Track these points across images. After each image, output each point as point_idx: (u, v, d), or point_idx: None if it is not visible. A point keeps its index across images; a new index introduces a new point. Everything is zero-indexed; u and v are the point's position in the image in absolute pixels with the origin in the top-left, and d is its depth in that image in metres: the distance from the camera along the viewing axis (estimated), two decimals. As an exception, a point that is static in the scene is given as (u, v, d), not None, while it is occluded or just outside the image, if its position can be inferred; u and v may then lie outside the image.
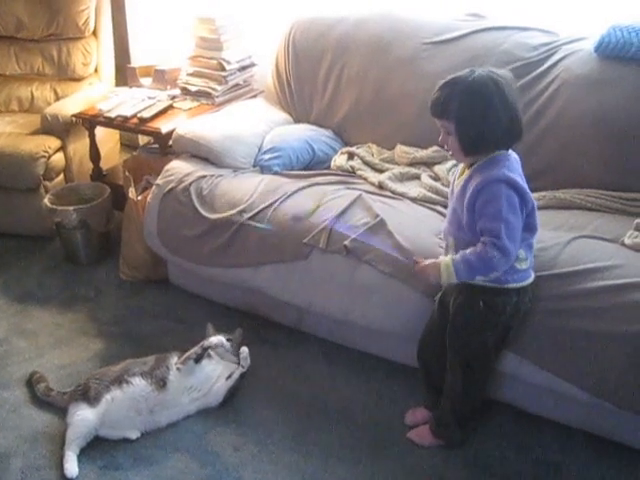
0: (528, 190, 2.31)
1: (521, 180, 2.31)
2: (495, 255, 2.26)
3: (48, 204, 3.75)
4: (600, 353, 2.42)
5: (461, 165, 2.47)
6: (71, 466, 2.53)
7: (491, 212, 2.27)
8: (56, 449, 2.64)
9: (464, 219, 2.37)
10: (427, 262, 2.45)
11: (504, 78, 2.27)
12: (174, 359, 2.82)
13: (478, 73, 2.27)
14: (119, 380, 2.71)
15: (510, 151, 2.37)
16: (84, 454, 2.60)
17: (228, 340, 2.90)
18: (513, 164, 2.34)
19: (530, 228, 2.37)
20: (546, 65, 3.25)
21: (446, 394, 2.61)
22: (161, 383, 2.73)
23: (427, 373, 2.77)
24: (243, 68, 4.07)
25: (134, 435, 2.68)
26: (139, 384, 2.71)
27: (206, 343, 2.81)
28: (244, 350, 2.91)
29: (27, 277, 3.74)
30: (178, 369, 2.77)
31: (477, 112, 2.25)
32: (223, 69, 3.93)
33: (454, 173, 2.53)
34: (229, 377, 2.85)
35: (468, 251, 2.33)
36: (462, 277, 2.35)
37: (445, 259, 2.39)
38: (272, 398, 2.90)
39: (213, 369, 2.86)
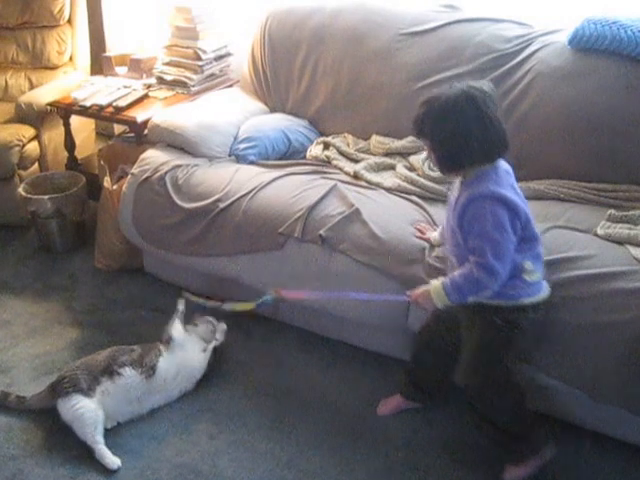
0: (519, 201, 2.25)
1: (512, 193, 2.25)
2: (482, 276, 2.22)
3: (23, 193, 3.73)
4: (576, 343, 2.45)
5: (457, 181, 2.40)
6: (110, 459, 2.51)
7: (476, 230, 2.24)
8: (31, 438, 2.64)
9: (459, 237, 2.32)
10: (419, 292, 2.38)
11: (481, 92, 2.21)
12: (162, 347, 2.83)
13: (453, 90, 2.22)
14: (109, 371, 2.68)
15: (500, 163, 2.30)
16: (60, 443, 2.59)
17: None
18: (502, 177, 2.27)
19: (530, 238, 2.30)
20: (520, 57, 3.27)
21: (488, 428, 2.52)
22: (150, 371, 2.72)
23: (417, 371, 2.76)
24: (219, 57, 4.06)
25: (109, 424, 2.67)
26: (130, 374, 2.69)
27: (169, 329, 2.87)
28: (222, 325, 2.99)
29: (1, 266, 3.73)
30: (166, 348, 2.81)
31: (449, 131, 2.21)
32: (199, 58, 3.92)
33: (451, 190, 2.45)
34: (204, 350, 2.90)
35: (457, 273, 2.28)
36: (454, 300, 2.28)
37: (435, 283, 2.33)
38: (248, 387, 2.91)
39: (192, 347, 2.90)
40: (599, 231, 2.75)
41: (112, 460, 2.51)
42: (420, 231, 2.84)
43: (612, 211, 2.86)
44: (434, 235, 2.79)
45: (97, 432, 2.55)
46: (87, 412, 2.56)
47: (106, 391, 2.64)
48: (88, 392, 2.60)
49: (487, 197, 2.22)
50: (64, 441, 2.61)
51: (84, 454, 2.56)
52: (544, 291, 2.36)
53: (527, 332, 2.37)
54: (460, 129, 2.19)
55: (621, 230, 2.72)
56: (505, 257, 2.21)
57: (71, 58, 4.45)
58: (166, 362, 2.78)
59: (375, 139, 3.51)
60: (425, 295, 2.35)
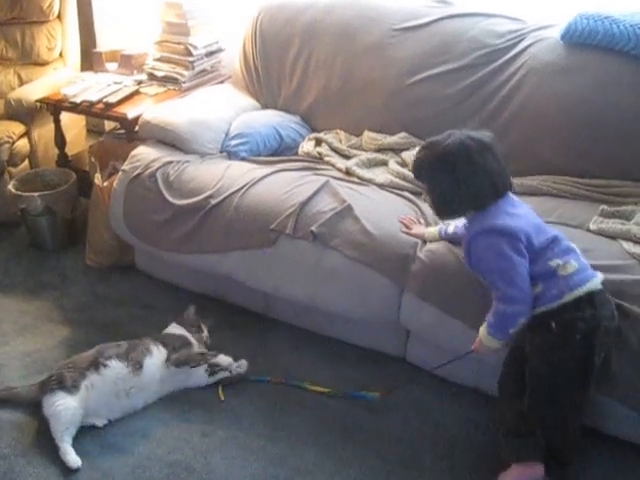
0: (513, 223, 2.28)
1: (503, 218, 2.30)
2: (505, 307, 2.28)
3: (13, 190, 3.70)
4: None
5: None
6: (72, 458, 2.49)
7: (483, 268, 2.36)
8: (21, 437, 2.62)
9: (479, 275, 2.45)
10: (476, 342, 2.42)
11: (479, 143, 2.29)
12: (151, 344, 2.81)
13: (452, 139, 2.31)
14: (95, 364, 2.67)
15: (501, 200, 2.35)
16: (51, 441, 2.56)
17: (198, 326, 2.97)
18: (497, 207, 2.34)
19: (545, 246, 2.31)
20: (513, 52, 3.26)
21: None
22: (137, 366, 2.71)
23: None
24: (210, 53, 4.04)
25: (101, 423, 2.66)
26: (116, 366, 2.68)
27: (213, 360, 2.82)
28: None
29: (-8, 264, 3.71)
30: (168, 366, 2.77)
31: (443, 181, 2.32)
32: (190, 54, 3.90)
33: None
34: (211, 373, 2.87)
35: (490, 313, 2.35)
36: (500, 337, 2.33)
37: (481, 329, 2.38)
38: (240, 384, 2.89)
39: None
40: (592, 226, 2.75)
41: (74, 459, 2.49)
42: (406, 225, 2.84)
43: (604, 206, 2.87)
44: (429, 230, 2.79)
45: (67, 432, 2.54)
46: (64, 410, 2.55)
47: (92, 384, 2.63)
48: (72, 389, 2.59)
49: (479, 234, 2.33)
50: (50, 442, 2.57)
51: (77, 452, 2.52)
52: (590, 283, 2.28)
53: (589, 338, 2.26)
54: (453, 180, 2.29)
55: (614, 225, 2.73)
56: (518, 280, 2.25)
57: (61, 54, 4.43)
58: (155, 363, 2.77)
59: (367, 135, 3.50)
60: (480, 343, 2.40)
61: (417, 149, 2.48)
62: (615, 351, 2.36)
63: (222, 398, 2.82)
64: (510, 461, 2.35)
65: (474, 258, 2.37)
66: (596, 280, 2.30)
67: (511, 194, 2.40)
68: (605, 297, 2.31)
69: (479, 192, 2.30)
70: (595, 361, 2.28)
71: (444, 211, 2.43)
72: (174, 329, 2.96)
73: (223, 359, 2.84)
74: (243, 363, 2.92)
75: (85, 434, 2.62)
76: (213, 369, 2.86)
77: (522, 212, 2.36)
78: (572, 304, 2.26)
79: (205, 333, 2.98)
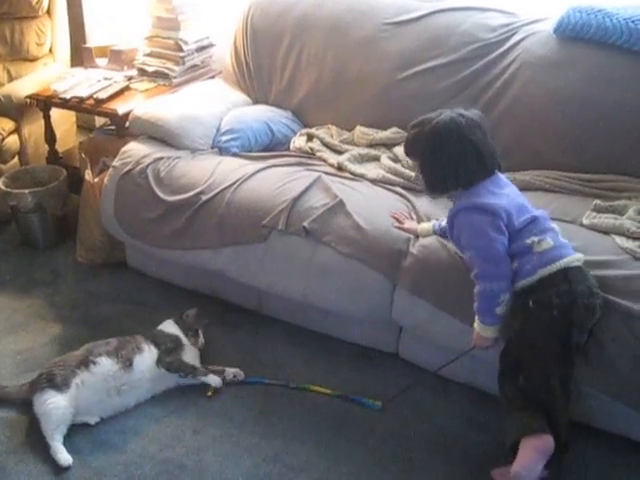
0: (495, 201, 2.35)
1: (487, 197, 2.37)
2: (483, 286, 2.36)
3: (3, 187, 3.68)
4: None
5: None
6: (63, 456, 2.48)
7: (463, 244, 2.44)
8: (13, 435, 2.60)
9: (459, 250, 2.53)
10: (474, 336, 2.45)
11: (468, 120, 2.37)
12: (142, 342, 2.80)
13: (443, 116, 2.39)
14: (85, 362, 2.66)
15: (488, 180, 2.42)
16: (43, 439, 2.54)
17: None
18: (483, 187, 2.40)
19: (524, 225, 2.37)
20: (506, 46, 3.26)
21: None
22: (127, 363, 2.70)
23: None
24: (201, 48, 4.01)
25: (93, 420, 2.65)
26: (105, 363, 2.68)
27: (203, 378, 2.80)
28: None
29: (-18, 262, 3.69)
30: (159, 367, 2.77)
31: (435, 156, 2.40)
32: (180, 49, 3.88)
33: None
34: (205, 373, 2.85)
35: (475, 302, 2.41)
36: (490, 322, 2.38)
37: (475, 323, 2.43)
38: (232, 381, 2.87)
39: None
40: (585, 221, 2.75)
41: (65, 457, 2.48)
42: (398, 220, 2.84)
43: (597, 201, 2.87)
44: (422, 226, 2.79)
45: (58, 430, 2.53)
46: (55, 409, 2.54)
47: (82, 382, 2.62)
48: (62, 387, 2.58)
49: (462, 210, 2.41)
50: (41, 440, 2.55)
51: (69, 450, 2.51)
52: (564, 260, 2.33)
53: (566, 314, 2.28)
54: (445, 155, 2.38)
55: (607, 220, 2.73)
56: (495, 258, 2.34)
57: (51, 50, 4.40)
58: (146, 362, 2.75)
59: (359, 130, 3.49)
60: (477, 335, 2.44)
61: (412, 125, 2.52)
62: (611, 346, 2.36)
63: (209, 394, 2.80)
64: (518, 437, 2.32)
65: (456, 232, 2.45)
66: (572, 258, 2.35)
67: (499, 174, 2.47)
68: (582, 274, 2.34)
69: (468, 168, 2.38)
70: (574, 338, 2.30)
71: (435, 187, 2.49)
72: (169, 327, 2.95)
73: (212, 379, 2.81)
74: (239, 372, 2.89)
75: (77, 432, 2.61)
76: (207, 369, 2.85)
77: (507, 192, 2.44)
78: (547, 281, 2.32)
79: (201, 339, 2.95)
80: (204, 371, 2.82)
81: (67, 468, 2.47)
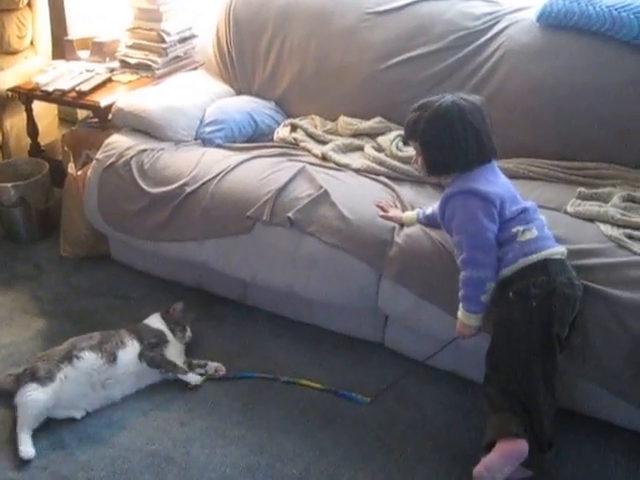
0: (491, 189, 2.36)
1: (483, 184, 2.37)
2: (469, 272, 2.36)
3: (-16, 181, 3.66)
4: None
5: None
6: (26, 448, 2.48)
7: (453, 227, 2.43)
8: (-1, 430, 2.61)
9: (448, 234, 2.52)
10: (457, 325, 2.45)
11: (470, 104, 2.39)
12: (125, 336, 2.79)
13: (445, 99, 2.40)
14: (68, 356, 2.65)
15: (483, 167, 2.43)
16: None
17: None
18: (478, 176, 2.41)
19: (513, 216, 2.38)
20: (489, 34, 3.26)
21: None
22: (111, 357, 2.69)
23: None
24: (183, 40, 4.00)
25: (79, 414, 2.64)
26: (89, 357, 2.67)
27: (182, 376, 2.79)
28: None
29: (-35, 257, 3.66)
30: (141, 361, 2.76)
31: (438, 136, 2.40)
32: (163, 41, 3.86)
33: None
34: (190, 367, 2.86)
35: (459, 291, 2.41)
36: (474, 309, 2.38)
37: (459, 312, 2.43)
38: (214, 376, 2.86)
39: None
40: (569, 209, 2.76)
41: (27, 450, 2.47)
42: (382, 208, 2.84)
43: (582, 189, 2.87)
44: (407, 214, 2.79)
45: (29, 423, 2.53)
46: (32, 401, 2.54)
47: (66, 376, 2.61)
48: (44, 381, 2.57)
49: (457, 193, 2.41)
50: (34, 432, 2.55)
51: (56, 444, 2.53)
52: (546, 252, 2.33)
53: (545, 305, 2.27)
54: (446, 137, 2.39)
55: (591, 207, 2.73)
56: (485, 246, 2.35)
57: (32, 42, 4.35)
58: (129, 357, 2.74)
59: (343, 120, 3.48)
60: (461, 324, 2.44)
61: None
62: (596, 335, 2.38)
63: (189, 386, 2.80)
64: (494, 438, 2.32)
65: (448, 215, 2.45)
66: (554, 250, 2.36)
67: (495, 164, 2.48)
68: (562, 267, 2.34)
69: (468, 151, 2.38)
70: (554, 329, 2.29)
71: (435, 169, 2.49)
72: (154, 322, 2.93)
73: (191, 378, 2.80)
74: (220, 367, 2.88)
75: (62, 426, 2.60)
76: (191, 365, 2.85)
77: (502, 181, 2.46)
78: (527, 271, 2.33)
79: (188, 333, 2.94)
80: (183, 369, 2.81)
81: (28, 461, 2.46)
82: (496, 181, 2.42)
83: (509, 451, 2.26)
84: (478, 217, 2.34)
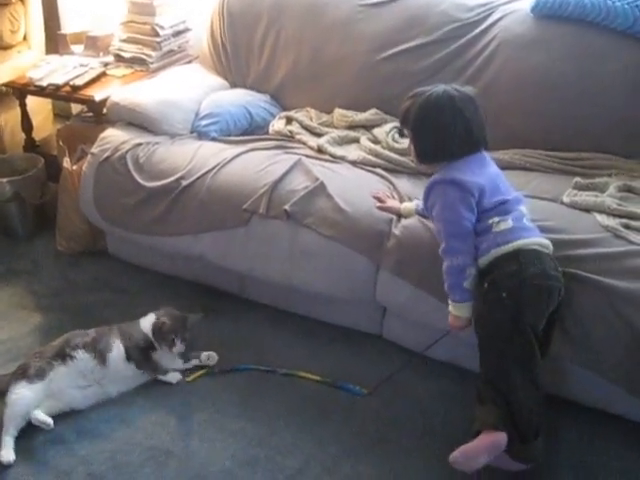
0: (471, 179, 2.37)
1: (465, 174, 2.39)
2: (449, 261, 2.39)
3: (-21, 177, 3.65)
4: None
5: None
6: (7, 452, 2.45)
7: (433, 215, 2.47)
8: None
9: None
10: (449, 318, 2.46)
11: (462, 94, 2.43)
12: (114, 338, 2.76)
13: (437, 88, 2.44)
14: (62, 355, 2.65)
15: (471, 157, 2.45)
16: (27, 428, 2.54)
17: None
18: (463, 167, 2.43)
19: (494, 206, 2.38)
20: (483, 26, 3.26)
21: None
22: (102, 359, 2.69)
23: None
24: (177, 33, 3.98)
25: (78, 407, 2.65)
26: (82, 357, 2.66)
27: (162, 378, 2.79)
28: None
29: (-39, 252, 3.65)
30: (129, 362, 2.74)
31: (429, 125, 2.44)
32: (157, 35, 3.84)
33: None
34: (185, 360, 2.86)
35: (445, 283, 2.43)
36: (461, 298, 2.40)
37: (449, 305, 2.44)
38: (217, 366, 2.87)
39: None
40: (565, 199, 2.75)
41: (7, 454, 2.45)
42: (380, 199, 2.84)
43: (578, 179, 2.87)
44: (405, 205, 2.80)
45: (15, 422, 2.51)
46: (19, 400, 2.53)
47: (59, 375, 2.61)
48: (33, 378, 2.57)
49: (439, 182, 2.44)
50: (27, 429, 2.54)
51: (54, 439, 2.53)
52: (519, 242, 2.32)
53: (515, 296, 2.27)
54: (434, 125, 2.42)
55: (587, 198, 2.73)
56: (462, 234, 2.37)
57: (25, 37, 4.33)
58: (116, 361, 2.72)
59: (338, 112, 3.48)
60: (452, 317, 2.45)
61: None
62: (593, 324, 2.39)
63: (187, 379, 2.80)
64: (479, 429, 2.31)
65: (430, 203, 2.48)
66: (528, 240, 2.35)
67: (485, 153, 2.49)
68: (537, 257, 2.31)
69: (455, 140, 2.41)
70: (526, 319, 2.27)
71: (424, 157, 2.52)
72: (147, 325, 2.82)
73: (171, 377, 2.80)
74: (212, 355, 2.88)
75: (61, 421, 2.60)
76: (187, 356, 2.84)
77: (489, 171, 2.47)
78: (500, 261, 2.34)
79: (178, 347, 2.78)
80: (164, 370, 2.80)
81: (7, 466, 2.43)
82: (481, 172, 2.43)
83: (487, 442, 2.26)
84: (456, 206, 2.36)
